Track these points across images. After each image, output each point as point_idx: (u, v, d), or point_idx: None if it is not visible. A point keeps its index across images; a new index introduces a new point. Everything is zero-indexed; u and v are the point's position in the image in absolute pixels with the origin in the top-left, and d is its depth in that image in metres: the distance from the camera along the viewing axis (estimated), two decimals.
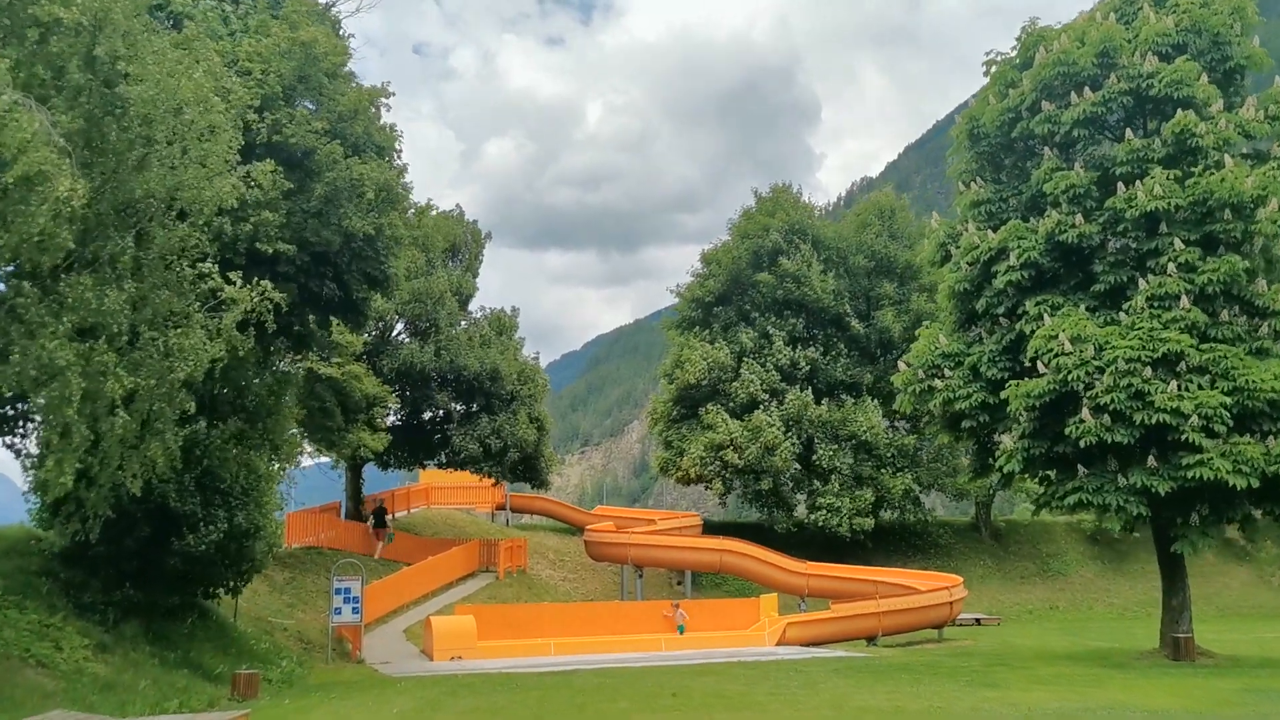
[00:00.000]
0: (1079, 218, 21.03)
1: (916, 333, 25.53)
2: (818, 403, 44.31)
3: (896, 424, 47.86)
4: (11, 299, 11.67)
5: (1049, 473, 21.51)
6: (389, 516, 37.29)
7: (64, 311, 11.75)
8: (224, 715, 12.30)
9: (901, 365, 24.34)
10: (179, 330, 13.77)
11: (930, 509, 47.99)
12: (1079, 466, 20.48)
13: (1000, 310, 22.35)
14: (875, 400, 45.29)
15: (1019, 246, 21.60)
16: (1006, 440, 21.36)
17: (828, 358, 46.61)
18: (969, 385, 22.43)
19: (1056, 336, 20.09)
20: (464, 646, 25.17)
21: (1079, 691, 15.27)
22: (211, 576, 20.29)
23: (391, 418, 37.58)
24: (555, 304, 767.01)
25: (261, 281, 16.17)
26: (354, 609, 24.80)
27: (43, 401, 12.25)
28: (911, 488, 44.61)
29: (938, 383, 22.93)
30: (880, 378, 47.09)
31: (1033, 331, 21.06)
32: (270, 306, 16.10)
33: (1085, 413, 19.50)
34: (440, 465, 39.01)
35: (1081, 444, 19.53)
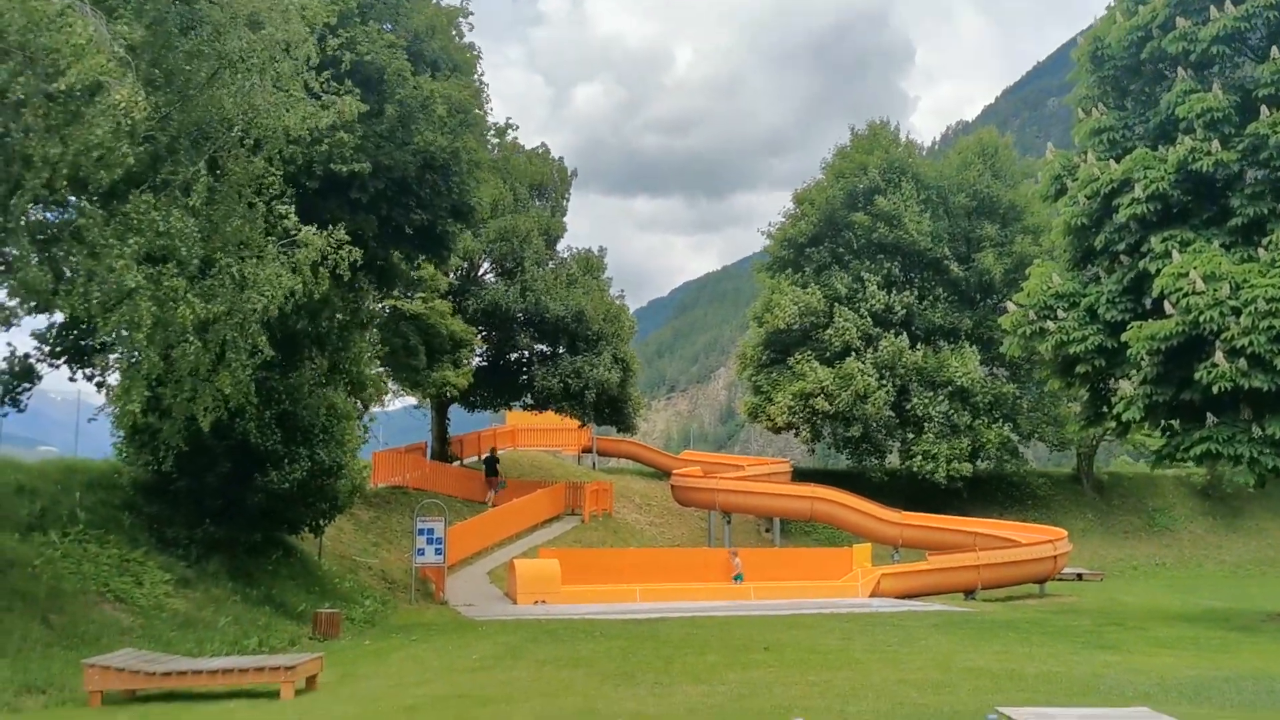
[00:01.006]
0: (1215, 144, 19.26)
1: (1026, 272, 23.99)
2: (913, 348, 42.75)
3: (995, 371, 46.07)
4: (75, 221, 11.11)
5: (1172, 422, 19.98)
6: (499, 465, 36.93)
7: (129, 233, 11.14)
8: (297, 657, 11.80)
9: (1010, 306, 22.88)
10: (254, 260, 13.15)
11: (1027, 459, 46.14)
12: (1208, 415, 18.94)
13: (1121, 247, 20.74)
14: (973, 346, 43.54)
15: (1145, 177, 19.93)
16: (1125, 386, 19.87)
17: (924, 302, 44.89)
18: (1085, 327, 20.92)
19: (1187, 274, 18.48)
20: (547, 591, 24.69)
21: (1208, 658, 14.04)
22: (295, 514, 19.99)
23: (477, 359, 37.14)
24: (643, 250, 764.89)
25: (338, 225, 15.51)
26: (437, 550, 24.44)
27: (112, 329, 11.75)
28: (1009, 438, 42.93)
29: (1050, 324, 21.45)
30: (979, 323, 45.33)
31: (1158, 270, 19.45)
32: (347, 257, 15.44)
33: (1219, 356, 17.93)
34: (524, 407, 38.55)
35: (1214, 390, 17.96)
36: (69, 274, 11.84)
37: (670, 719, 9.36)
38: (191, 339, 12.00)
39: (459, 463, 39.02)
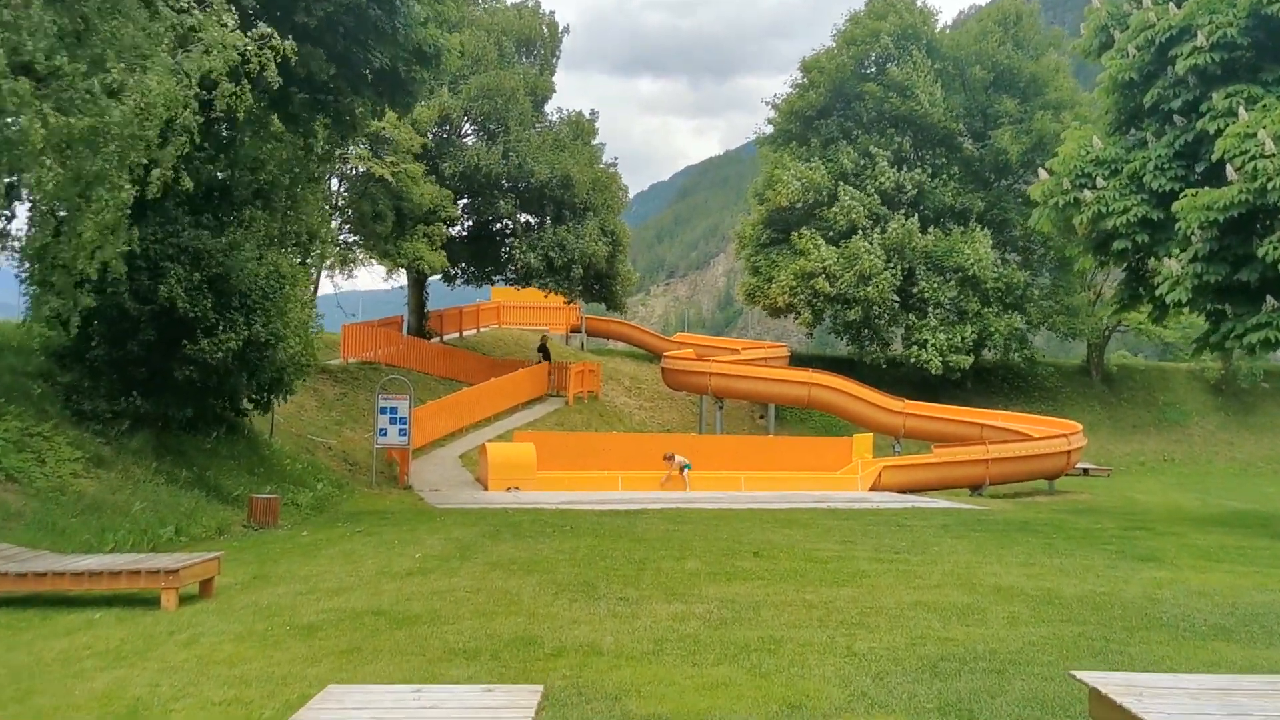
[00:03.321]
0: None
1: (1063, 134, 21.40)
2: (924, 231, 40.21)
3: (1007, 256, 43.70)
4: None
5: (1222, 306, 17.69)
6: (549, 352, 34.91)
7: None
8: (185, 558, 9.73)
9: (1042, 173, 20.38)
10: (129, 68, 10.65)
11: (1036, 349, 44.13)
12: (1267, 298, 16.66)
13: (1176, 105, 18.17)
14: (985, 230, 41.02)
15: (1211, 23, 17.28)
16: (1172, 265, 17.52)
17: (935, 181, 42.24)
18: (1127, 197, 18.49)
19: (1255, 134, 15.98)
20: (521, 477, 22.80)
21: (1269, 573, 12.05)
22: (233, 389, 17.85)
23: (457, 229, 34.63)
24: (644, 132, 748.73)
25: (272, 35, 13.03)
26: (401, 431, 22.45)
27: None
28: (1018, 328, 40.78)
29: (1087, 194, 19.00)
30: (992, 205, 42.79)
31: (1219, 130, 16.95)
32: (273, 58, 12.94)
33: None
34: (506, 282, 36.19)
35: None
36: None
37: (627, 657, 7.31)
38: (48, 163, 9.60)
39: (439, 339, 36.85)
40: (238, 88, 12.01)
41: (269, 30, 12.84)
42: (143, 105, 10.84)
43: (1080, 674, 5.31)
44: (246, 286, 16.61)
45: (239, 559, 12.54)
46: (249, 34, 12.79)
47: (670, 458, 25.01)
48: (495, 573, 11.20)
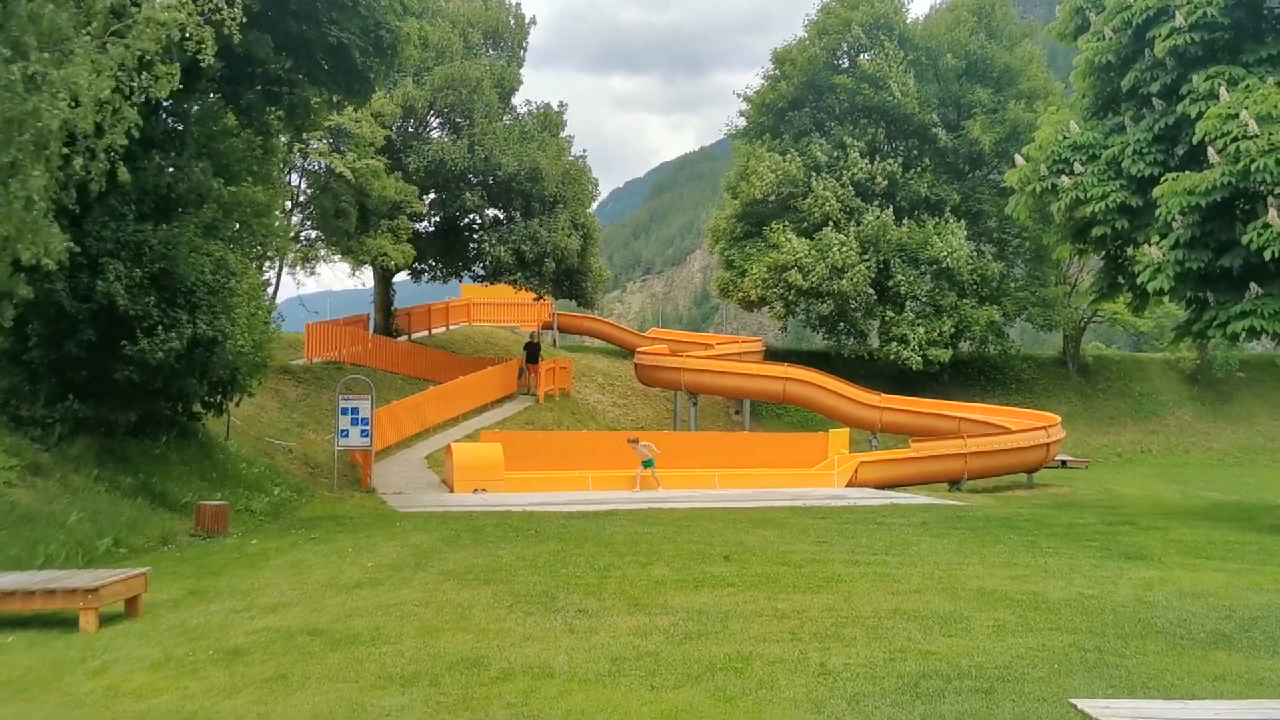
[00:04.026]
0: None
1: (1038, 120, 20.90)
2: (898, 222, 39.71)
3: (982, 248, 43.30)
4: None
5: (1203, 294, 17.20)
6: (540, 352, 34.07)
7: None
8: (106, 575, 8.99)
9: (1018, 159, 19.84)
10: (50, 58, 9.89)
11: (1012, 341, 43.77)
12: (1250, 285, 16.17)
13: (1154, 88, 17.66)
14: (960, 221, 40.57)
15: (1189, 3, 16.77)
16: (1153, 252, 17.01)
17: (909, 173, 41.75)
18: (1106, 183, 17.97)
19: (1237, 115, 15.48)
20: (488, 478, 22.09)
21: (1261, 572, 11.53)
22: (181, 391, 17.07)
23: (424, 224, 33.85)
24: (619, 129, 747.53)
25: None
26: (363, 432, 21.69)
27: None
28: (995, 319, 40.39)
29: (1064, 180, 18.48)
30: (967, 196, 42.34)
31: (1199, 113, 16.45)
32: (224, 28, 12.19)
33: (1272, 215, 15.06)
34: (475, 279, 35.39)
35: (1266, 255, 15.10)
36: None
37: (580, 680, 6.67)
38: None
39: (406, 338, 36.05)
40: (169, 67, 11.22)
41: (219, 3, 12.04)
42: (69, 98, 10.08)
43: (1080, 703, 4.71)
44: (191, 282, 15.81)
45: (178, 571, 11.84)
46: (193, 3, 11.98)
47: (635, 442, 24.02)
48: (449, 583, 10.53)
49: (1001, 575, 10.92)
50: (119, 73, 10.41)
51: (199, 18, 12.04)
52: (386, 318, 35.12)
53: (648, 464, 23.26)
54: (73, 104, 10.04)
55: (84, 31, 10.55)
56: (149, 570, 9.57)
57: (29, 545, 12.18)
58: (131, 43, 10.87)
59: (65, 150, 10.43)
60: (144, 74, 11.06)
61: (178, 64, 11.45)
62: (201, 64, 11.81)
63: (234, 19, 12.07)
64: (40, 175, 9.70)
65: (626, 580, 10.55)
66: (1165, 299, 18.72)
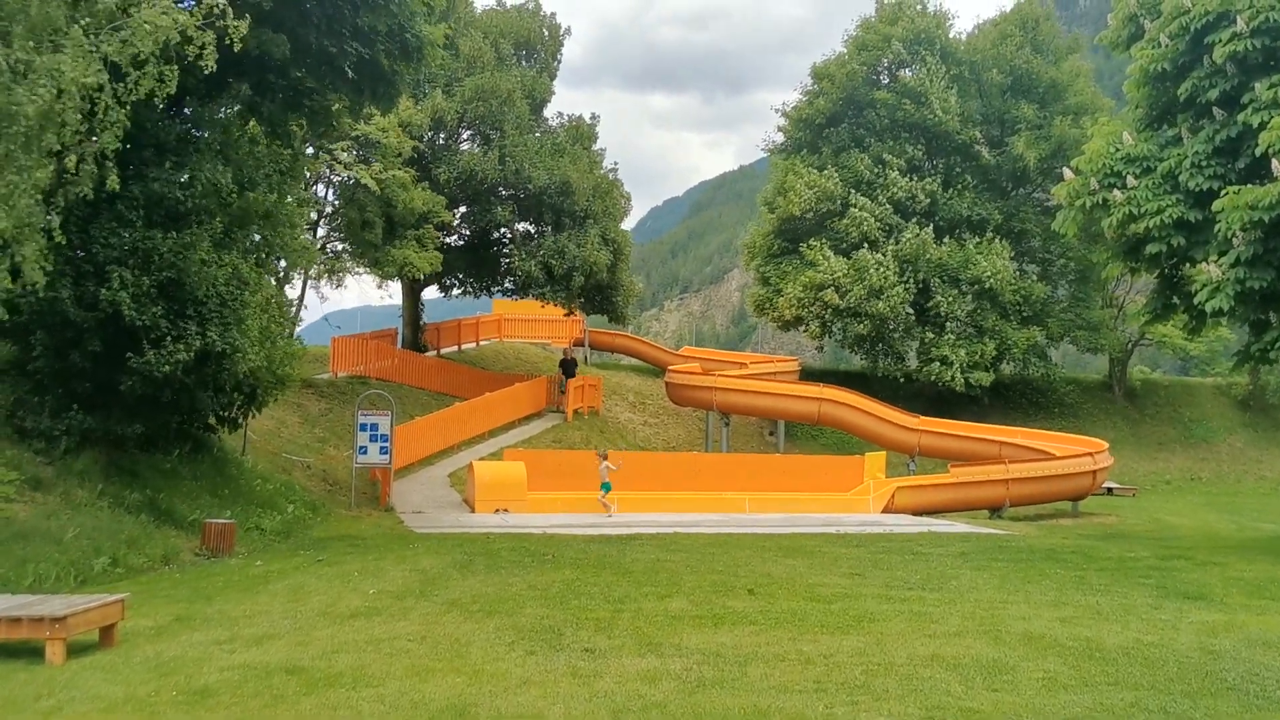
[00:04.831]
0: None
1: (1090, 128, 19.94)
2: (939, 242, 38.72)
3: (1025, 268, 42.22)
4: None
5: (1266, 315, 16.21)
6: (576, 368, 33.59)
7: None
8: (78, 602, 8.35)
9: (1067, 172, 18.93)
10: (37, 47, 9.37)
11: (1056, 364, 42.57)
12: None
13: (1213, 96, 16.72)
14: (1003, 241, 39.51)
15: (1251, 6, 15.87)
16: (1211, 270, 16.05)
17: (950, 191, 40.78)
18: (1161, 197, 17.04)
19: None
20: (510, 498, 21.40)
21: None
22: (192, 405, 16.53)
23: (454, 238, 33.35)
24: (658, 148, 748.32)
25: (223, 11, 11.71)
26: (382, 449, 21.09)
27: None
28: (1038, 341, 39.26)
29: (1116, 194, 17.55)
30: (1010, 215, 41.25)
31: (1263, 124, 15.51)
32: (212, 40, 11.64)
33: None
34: (505, 294, 34.81)
35: None
36: None
37: None
38: None
39: (435, 353, 35.54)
40: (166, 68, 10.68)
41: (220, 4, 11.49)
42: (53, 87, 9.55)
43: None
44: (202, 293, 15.28)
45: (171, 594, 11.23)
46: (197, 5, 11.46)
47: (604, 456, 22.50)
48: (451, 615, 9.81)
49: (1049, 617, 10.04)
50: (109, 70, 9.85)
51: (200, 21, 11.50)
52: (415, 332, 34.65)
53: (605, 487, 21.92)
54: (57, 93, 9.50)
55: (79, 25, 10.04)
56: (127, 597, 8.92)
57: (19, 564, 11.64)
58: (128, 39, 10.33)
59: (57, 148, 9.88)
60: (138, 73, 10.52)
61: (175, 66, 10.87)
62: (203, 69, 11.23)
63: (236, 28, 11.50)
64: (34, 167, 9.16)
65: (641, 615, 9.79)
66: (1223, 320, 17.74)
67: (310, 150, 23.36)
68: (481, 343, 40.35)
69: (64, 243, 11.67)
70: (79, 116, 9.70)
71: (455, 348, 38.14)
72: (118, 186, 11.14)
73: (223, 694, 6.86)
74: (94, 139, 10.65)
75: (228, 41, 12.08)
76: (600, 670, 7.54)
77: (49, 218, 9.98)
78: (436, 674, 7.42)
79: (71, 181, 10.21)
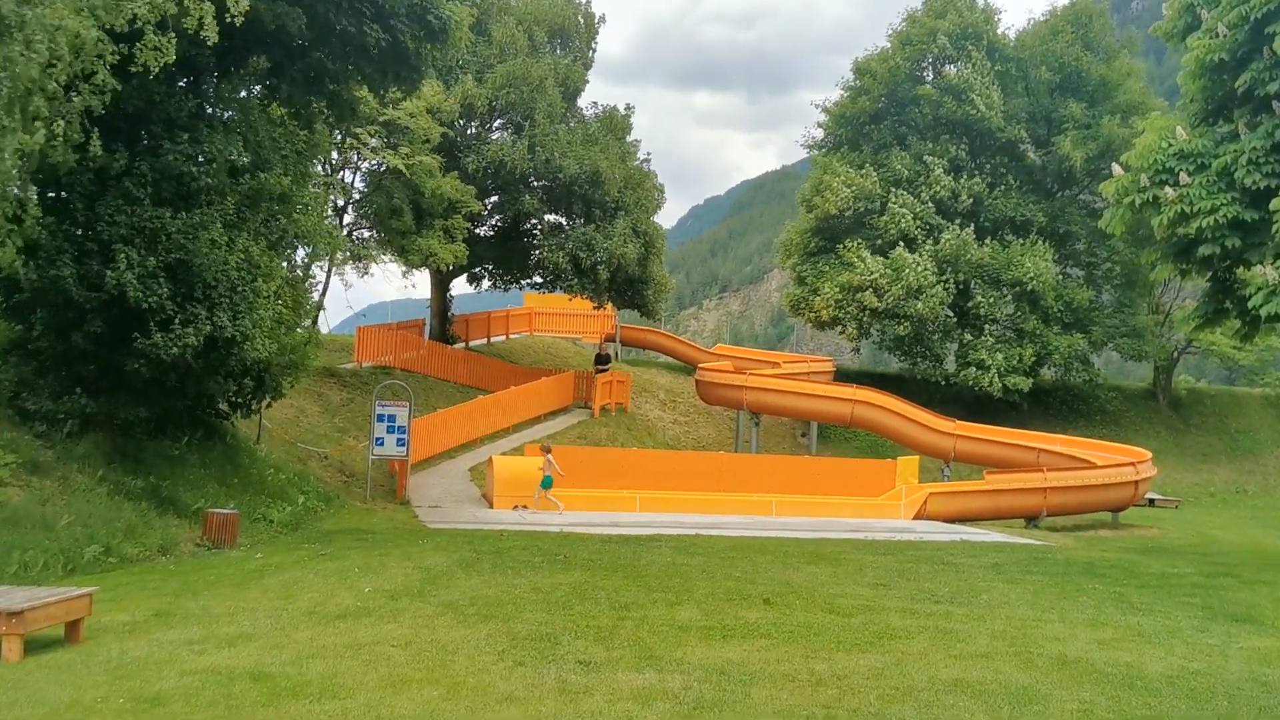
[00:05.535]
0: None
1: (1141, 125, 19.03)
2: (980, 243, 37.70)
3: (1069, 271, 41.10)
4: None
5: None
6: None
7: None
8: (41, 596, 7.86)
9: (1116, 169, 18.02)
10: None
11: (1098, 370, 41.41)
12: None
13: (1273, 88, 15.76)
14: (1047, 243, 38.43)
15: None
16: (1268, 272, 15.15)
17: (994, 191, 39.75)
18: (1216, 195, 16.12)
19: None
20: (531, 495, 20.82)
21: None
22: (200, 389, 16.08)
23: (484, 229, 32.83)
24: (700, 146, 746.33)
25: None
26: (399, 440, 20.61)
27: None
28: (1080, 348, 38.15)
29: (1168, 191, 16.63)
30: (1055, 217, 40.14)
31: None
32: (214, 10, 11.16)
33: None
34: (534, 286, 34.25)
35: None
36: None
37: None
38: None
39: (463, 344, 35.07)
40: (163, 39, 10.18)
41: None
42: (48, 47, 9.08)
43: None
44: (212, 275, 14.83)
45: (158, 587, 10.76)
46: None
47: (547, 450, 21.70)
48: (444, 618, 9.24)
49: (1086, 638, 9.30)
50: (102, 29, 9.37)
51: None
52: (443, 323, 34.18)
53: (546, 483, 21.03)
54: (53, 59, 9.01)
55: None
56: (96, 590, 8.43)
57: (5, 551, 11.23)
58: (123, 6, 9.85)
59: (45, 113, 9.41)
60: (138, 44, 10.04)
61: (172, 34, 10.37)
62: (205, 40, 10.74)
63: (236, 1, 11.00)
64: (36, 132, 8.70)
65: (646, 624, 9.16)
66: (1278, 326, 16.78)
67: (338, 136, 22.91)
68: (511, 336, 39.86)
69: (40, 218, 11.22)
70: (65, 77, 9.21)
71: (484, 340, 37.66)
72: (100, 151, 10.67)
73: (175, 702, 6.32)
74: (74, 96, 10.18)
75: (229, 18, 11.63)
76: (591, 686, 6.92)
77: (14, 191, 9.47)
78: (413, 685, 6.84)
79: (52, 149, 9.73)
